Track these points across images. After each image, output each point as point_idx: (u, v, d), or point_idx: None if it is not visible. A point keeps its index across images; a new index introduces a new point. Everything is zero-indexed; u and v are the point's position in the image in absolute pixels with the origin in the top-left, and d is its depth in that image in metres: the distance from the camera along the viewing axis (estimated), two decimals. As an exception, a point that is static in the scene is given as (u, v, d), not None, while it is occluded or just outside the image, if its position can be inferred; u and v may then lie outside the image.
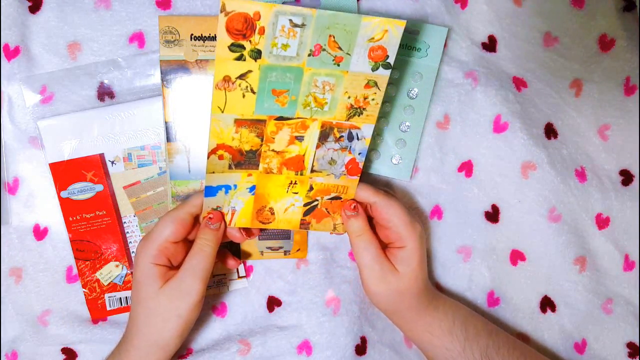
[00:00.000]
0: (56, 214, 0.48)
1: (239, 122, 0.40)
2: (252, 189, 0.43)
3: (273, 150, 0.42)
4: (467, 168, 0.50)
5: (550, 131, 0.50)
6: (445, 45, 0.48)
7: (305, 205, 0.44)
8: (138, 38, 0.47)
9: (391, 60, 0.38)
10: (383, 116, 0.49)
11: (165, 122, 0.46)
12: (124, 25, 0.47)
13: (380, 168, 0.49)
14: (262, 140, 0.41)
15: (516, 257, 0.51)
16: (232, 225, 0.44)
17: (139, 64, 0.47)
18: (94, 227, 0.48)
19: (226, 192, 0.43)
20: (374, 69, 0.39)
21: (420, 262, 0.43)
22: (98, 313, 0.49)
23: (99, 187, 0.47)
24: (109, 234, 0.48)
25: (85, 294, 0.48)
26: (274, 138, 0.41)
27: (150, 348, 0.41)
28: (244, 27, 0.36)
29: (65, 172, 0.47)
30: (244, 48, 0.36)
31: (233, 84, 0.38)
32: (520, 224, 0.50)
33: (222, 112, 0.39)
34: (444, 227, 0.51)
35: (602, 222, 0.51)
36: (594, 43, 0.50)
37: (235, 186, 0.43)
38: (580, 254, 0.50)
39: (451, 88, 0.49)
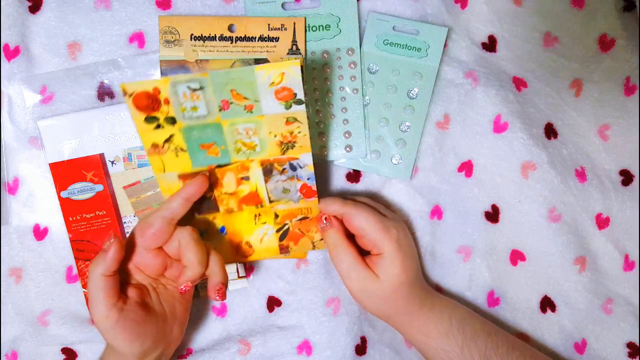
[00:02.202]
0: (56, 214, 0.48)
1: (183, 177, 0.41)
2: (223, 229, 0.45)
3: (226, 193, 0.43)
4: (467, 168, 0.50)
5: (550, 131, 0.50)
6: (445, 45, 0.48)
7: (277, 231, 0.45)
8: (138, 38, 0.47)
9: (300, 96, 0.39)
10: (383, 116, 0.49)
11: (165, 122, 0.46)
12: (124, 25, 0.47)
13: (380, 168, 0.49)
14: (211, 186, 0.42)
15: (516, 257, 0.51)
16: None
17: (139, 64, 0.47)
18: (94, 227, 0.48)
19: (202, 237, 0.43)
20: (288, 107, 0.39)
21: (402, 267, 0.43)
22: (98, 313, 0.49)
23: (99, 187, 0.47)
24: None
25: (85, 294, 0.48)
26: (222, 183, 0.42)
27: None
28: (149, 102, 0.38)
29: (65, 172, 0.47)
30: (158, 118, 0.38)
31: (162, 148, 0.40)
32: (520, 224, 0.50)
33: (164, 172, 0.41)
34: (444, 227, 0.51)
35: (602, 222, 0.51)
36: (594, 43, 0.50)
37: (207, 231, 0.44)
38: (580, 254, 0.50)
39: (451, 88, 0.49)
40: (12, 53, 0.46)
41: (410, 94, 0.49)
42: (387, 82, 0.49)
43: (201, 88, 0.38)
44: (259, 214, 0.44)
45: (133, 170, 0.47)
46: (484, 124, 0.49)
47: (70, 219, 0.47)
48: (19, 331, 0.48)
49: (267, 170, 0.42)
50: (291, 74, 0.38)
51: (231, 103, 0.39)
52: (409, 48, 0.48)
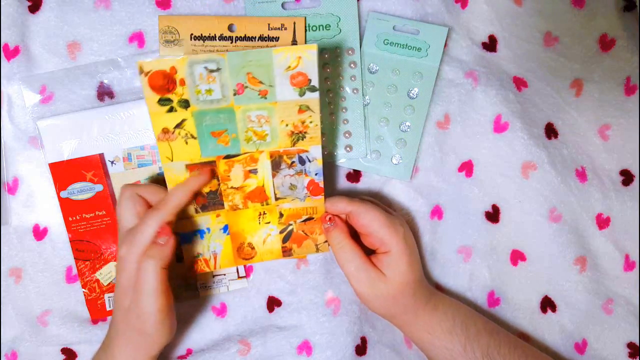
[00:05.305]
0: (56, 214, 0.48)
1: (190, 167, 0.41)
2: (225, 228, 0.44)
3: (232, 187, 0.43)
4: (467, 168, 0.50)
5: (550, 131, 0.50)
6: (445, 45, 0.48)
7: (281, 232, 0.45)
8: (138, 38, 0.47)
9: (315, 83, 0.39)
10: (383, 116, 0.49)
11: (165, 122, 0.46)
12: (124, 25, 0.47)
13: (381, 168, 0.49)
14: (218, 179, 0.42)
15: (516, 257, 0.51)
16: (217, 268, 0.45)
17: (138, 64, 0.47)
18: (93, 227, 0.47)
19: (201, 237, 0.44)
20: (301, 94, 0.39)
21: (409, 265, 0.43)
22: (98, 313, 0.49)
23: (99, 187, 0.47)
24: (109, 234, 0.48)
25: (85, 294, 0.48)
26: (229, 176, 0.42)
27: (136, 354, 0.41)
28: (165, 83, 0.37)
29: (65, 172, 0.47)
30: (172, 100, 0.38)
31: (172, 134, 0.40)
32: (520, 224, 0.50)
33: (172, 160, 0.41)
34: (444, 227, 0.51)
35: (602, 222, 0.51)
36: (595, 43, 0.50)
37: (209, 229, 0.44)
38: (581, 254, 0.50)
39: (451, 88, 0.49)
40: (11, 53, 0.46)
41: (411, 94, 0.49)
42: (387, 81, 0.49)
43: (218, 69, 0.38)
44: (264, 212, 0.44)
45: (133, 170, 0.47)
46: (484, 123, 0.49)
47: (70, 219, 0.47)
48: (19, 331, 0.48)
49: (276, 164, 0.42)
50: (307, 58, 0.38)
51: (246, 87, 0.38)
52: (409, 48, 0.48)
